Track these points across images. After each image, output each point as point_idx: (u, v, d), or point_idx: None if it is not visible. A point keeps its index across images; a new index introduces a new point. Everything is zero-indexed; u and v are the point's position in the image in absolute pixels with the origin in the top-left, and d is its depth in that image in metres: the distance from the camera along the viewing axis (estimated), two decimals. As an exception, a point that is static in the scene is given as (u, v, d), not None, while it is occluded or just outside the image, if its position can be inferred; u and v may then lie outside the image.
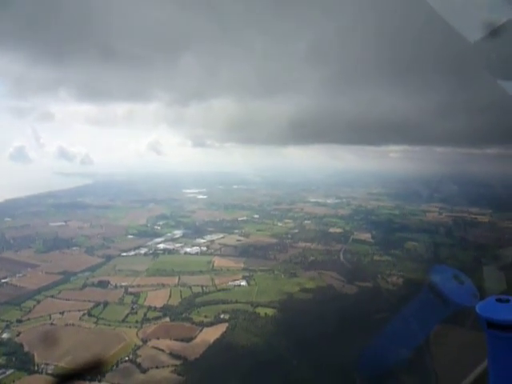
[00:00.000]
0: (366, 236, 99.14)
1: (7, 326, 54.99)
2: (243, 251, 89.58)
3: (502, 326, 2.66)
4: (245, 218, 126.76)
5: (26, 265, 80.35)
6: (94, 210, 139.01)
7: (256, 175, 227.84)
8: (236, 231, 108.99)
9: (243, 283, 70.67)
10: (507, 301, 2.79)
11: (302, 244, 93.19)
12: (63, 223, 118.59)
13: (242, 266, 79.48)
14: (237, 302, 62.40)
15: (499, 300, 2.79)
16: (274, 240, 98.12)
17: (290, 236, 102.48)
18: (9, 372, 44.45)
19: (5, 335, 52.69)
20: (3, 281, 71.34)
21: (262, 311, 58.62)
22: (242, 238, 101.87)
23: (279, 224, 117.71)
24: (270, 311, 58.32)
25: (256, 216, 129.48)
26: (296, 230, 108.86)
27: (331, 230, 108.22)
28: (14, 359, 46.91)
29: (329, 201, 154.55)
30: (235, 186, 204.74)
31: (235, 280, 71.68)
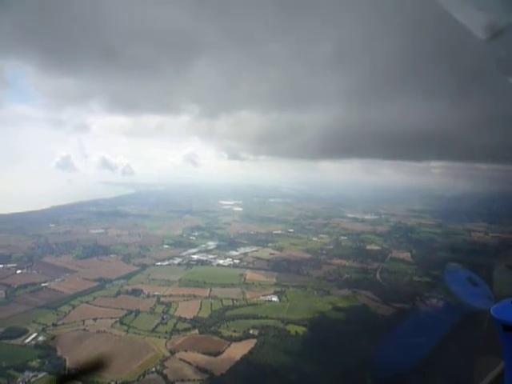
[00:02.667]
0: (405, 255, 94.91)
1: (43, 329, 56.60)
2: (276, 265, 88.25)
3: None
4: (279, 231, 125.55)
5: (65, 270, 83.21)
6: (133, 219, 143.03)
7: (291, 189, 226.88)
8: (270, 245, 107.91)
9: (274, 298, 69.23)
10: None
11: (336, 260, 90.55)
12: (103, 230, 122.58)
13: (274, 280, 78.11)
14: (267, 317, 61.04)
15: None
16: (308, 255, 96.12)
17: (324, 252, 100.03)
18: (41, 375, 45.42)
19: (40, 338, 54.19)
20: (43, 285, 74.08)
21: (292, 329, 56.89)
22: (275, 252, 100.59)
23: (314, 239, 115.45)
24: (300, 329, 56.46)
25: (291, 230, 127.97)
26: (331, 246, 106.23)
27: (368, 247, 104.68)
28: (46, 362, 47.98)
29: (367, 217, 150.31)
30: (271, 200, 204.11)
31: (266, 295, 70.40)
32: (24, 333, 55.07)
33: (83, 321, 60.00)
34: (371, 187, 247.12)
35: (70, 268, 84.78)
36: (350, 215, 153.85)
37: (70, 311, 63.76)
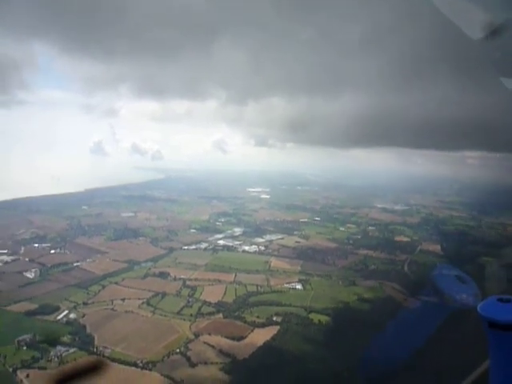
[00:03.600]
0: (435, 247, 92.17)
1: (74, 307, 59.10)
2: (301, 254, 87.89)
3: (503, 326, 2.64)
4: (306, 219, 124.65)
5: (97, 251, 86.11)
6: (162, 203, 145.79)
7: (319, 177, 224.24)
8: (296, 233, 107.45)
9: (299, 286, 69.13)
10: (508, 300, 2.76)
11: (363, 251, 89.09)
12: (133, 214, 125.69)
13: (299, 268, 77.89)
14: (291, 305, 61.12)
15: (500, 300, 2.76)
16: (334, 244, 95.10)
17: (351, 241, 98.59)
18: (71, 350, 47.54)
19: (71, 315, 56.61)
20: (75, 264, 77.05)
21: (315, 317, 56.74)
22: (301, 240, 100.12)
23: (341, 228, 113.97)
24: (323, 318, 56.23)
25: (317, 218, 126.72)
26: (358, 236, 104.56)
27: (397, 238, 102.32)
28: (76, 339, 50.17)
29: (396, 207, 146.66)
30: (299, 187, 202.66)
31: (291, 282, 70.36)
32: (56, 310, 57.70)
33: (112, 301, 62.08)
34: (402, 177, 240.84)
35: (101, 249, 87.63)
36: (379, 205, 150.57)
37: (99, 291, 66.11)
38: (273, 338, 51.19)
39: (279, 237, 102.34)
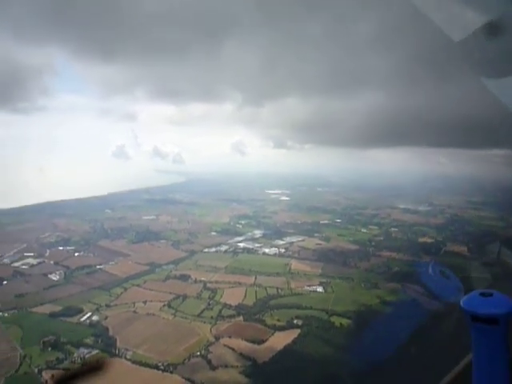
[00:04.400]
0: (461, 249, 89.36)
1: (97, 309, 60.03)
2: (322, 256, 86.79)
3: (485, 320, 2.73)
4: (326, 221, 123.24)
5: (119, 254, 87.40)
6: (183, 206, 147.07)
7: (340, 178, 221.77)
8: (316, 235, 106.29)
9: (319, 289, 68.24)
10: (490, 295, 2.84)
11: (386, 253, 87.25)
12: (154, 217, 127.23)
13: (320, 271, 76.91)
14: (311, 308, 60.30)
15: (483, 294, 2.83)
16: (356, 246, 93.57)
17: (373, 243, 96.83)
18: (94, 352, 48.24)
19: (94, 317, 57.50)
20: (98, 267, 78.37)
21: (337, 321, 55.83)
22: (322, 242, 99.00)
23: (363, 230, 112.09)
24: (345, 321, 55.27)
25: (338, 220, 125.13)
26: (381, 238, 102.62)
27: (421, 239, 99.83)
28: (99, 341, 50.89)
29: (420, 208, 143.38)
30: (319, 189, 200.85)
31: (311, 285, 69.55)
32: (80, 311, 58.72)
33: (134, 303, 62.76)
34: (424, 177, 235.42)
35: (123, 252, 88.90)
36: (402, 206, 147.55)
37: (121, 293, 66.97)
38: (293, 342, 50.63)
39: (299, 239, 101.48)
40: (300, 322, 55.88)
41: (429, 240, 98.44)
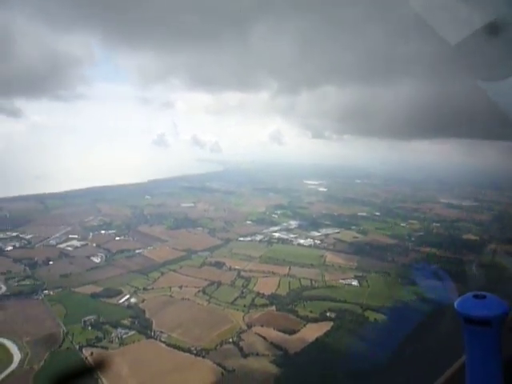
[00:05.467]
0: (509, 247, 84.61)
1: (135, 292, 62.23)
2: (358, 249, 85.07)
3: (478, 322, 2.74)
4: (364, 214, 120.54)
5: (157, 239, 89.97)
6: (220, 195, 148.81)
7: (379, 170, 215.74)
8: (353, 227, 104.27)
9: (354, 283, 67.08)
10: (484, 297, 2.84)
11: (426, 248, 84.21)
12: (192, 204, 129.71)
13: (355, 264, 75.47)
14: (345, 301, 59.45)
15: (476, 296, 2.84)
16: (394, 241, 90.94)
17: (413, 238, 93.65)
18: (131, 333, 50.12)
19: (132, 300, 59.67)
20: (137, 251, 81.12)
21: (371, 315, 54.74)
22: (358, 235, 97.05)
23: (402, 224, 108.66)
24: (379, 317, 54.05)
25: (377, 213, 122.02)
26: (421, 233, 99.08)
27: (464, 236, 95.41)
28: (136, 322, 52.79)
29: (464, 203, 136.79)
30: (358, 181, 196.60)
31: (346, 278, 68.45)
32: (119, 293, 61.12)
33: (170, 287, 64.53)
34: (470, 170, 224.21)
35: (161, 238, 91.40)
36: (445, 200, 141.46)
37: (158, 277, 68.98)
38: (326, 334, 50.20)
39: (335, 231, 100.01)
40: (333, 315, 55.31)
41: (473, 237, 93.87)
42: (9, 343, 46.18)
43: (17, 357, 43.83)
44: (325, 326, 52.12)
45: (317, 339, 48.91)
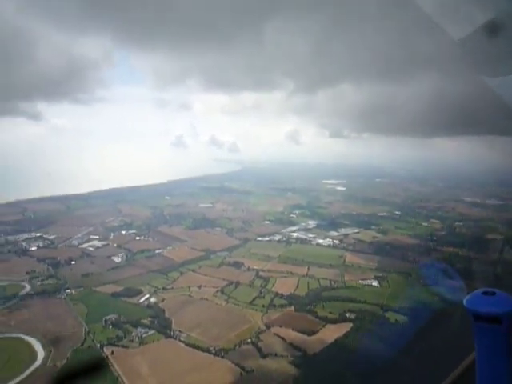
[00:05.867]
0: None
1: (155, 292, 62.83)
2: (378, 249, 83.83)
3: (487, 319, 2.73)
4: (384, 213, 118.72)
5: (176, 239, 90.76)
6: (237, 195, 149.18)
7: (400, 168, 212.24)
8: (373, 227, 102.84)
9: (374, 283, 66.03)
10: (493, 293, 2.81)
11: (448, 248, 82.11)
12: (210, 205, 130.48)
13: (376, 265, 74.31)
14: (365, 302, 58.57)
15: (485, 293, 2.82)
16: (416, 241, 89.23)
17: (435, 238, 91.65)
18: (151, 332, 50.57)
19: (152, 299, 60.25)
20: (157, 251, 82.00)
21: (392, 317, 53.74)
22: (378, 235, 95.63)
23: (424, 224, 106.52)
24: (400, 318, 52.97)
25: (397, 212, 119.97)
26: (443, 232, 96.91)
27: (489, 236, 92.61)
28: (156, 322, 53.25)
29: (489, 202, 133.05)
30: (377, 180, 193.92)
31: (366, 279, 67.48)
32: (139, 293, 61.87)
33: (189, 287, 64.95)
34: (496, 169, 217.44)
35: (180, 238, 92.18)
36: (468, 199, 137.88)
37: (178, 277, 69.54)
38: (345, 335, 49.54)
39: (355, 231, 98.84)
40: (353, 316, 54.54)
41: (498, 237, 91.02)
42: (33, 341, 47.31)
43: (40, 354, 44.82)
44: (344, 327, 51.42)
45: (336, 340, 48.32)
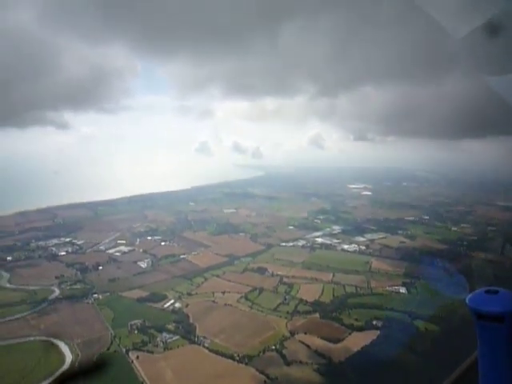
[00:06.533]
0: None
1: (179, 297, 63.17)
2: (406, 255, 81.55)
3: (490, 317, 2.71)
4: (412, 218, 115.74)
5: (200, 244, 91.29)
6: (261, 200, 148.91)
7: (428, 172, 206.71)
8: (400, 232, 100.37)
9: (402, 290, 64.19)
10: (496, 292, 2.80)
11: (480, 254, 79.11)
12: (234, 210, 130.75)
13: (403, 271, 72.35)
14: (393, 309, 57.03)
15: (488, 292, 2.82)
16: (445, 246, 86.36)
17: (465, 243, 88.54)
18: (175, 338, 50.80)
19: (177, 304, 60.61)
20: (182, 256, 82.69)
21: (421, 325, 52.04)
22: (406, 240, 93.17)
23: (454, 228, 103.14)
24: (430, 327, 51.21)
25: (426, 217, 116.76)
26: (474, 237, 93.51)
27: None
28: (180, 327, 53.47)
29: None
30: (404, 184, 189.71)
31: (393, 286, 65.69)
32: (164, 298, 62.40)
33: (213, 293, 64.95)
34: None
35: (205, 243, 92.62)
36: (501, 203, 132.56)
37: (202, 283, 69.78)
38: (372, 344, 48.27)
39: (381, 236, 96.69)
40: (380, 324, 53.16)
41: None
42: (61, 344, 48.39)
43: (68, 357, 45.76)
44: (371, 335, 50.15)
45: (362, 349, 47.12)
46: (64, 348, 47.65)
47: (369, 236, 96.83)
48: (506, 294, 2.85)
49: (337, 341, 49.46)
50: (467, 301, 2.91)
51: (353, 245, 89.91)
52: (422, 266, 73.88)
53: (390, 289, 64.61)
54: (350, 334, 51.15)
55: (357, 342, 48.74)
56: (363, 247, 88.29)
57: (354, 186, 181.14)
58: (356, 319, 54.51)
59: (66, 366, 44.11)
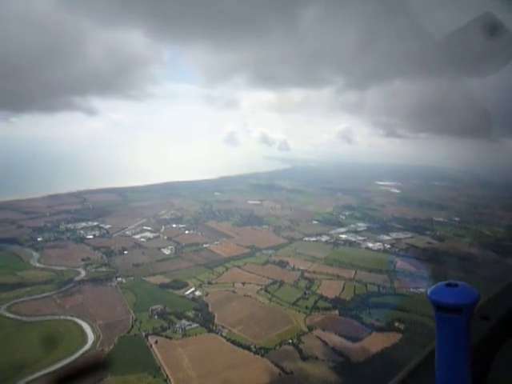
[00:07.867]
0: None
1: (200, 285, 63.76)
2: (433, 257, 78.97)
3: (448, 309, 2.80)
4: (441, 219, 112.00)
5: (223, 235, 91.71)
6: (286, 193, 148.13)
7: (462, 172, 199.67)
8: (428, 233, 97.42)
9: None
10: (456, 285, 2.91)
11: (513, 260, 75.77)
12: (259, 202, 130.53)
13: (429, 272, 69.98)
14: (416, 312, 55.17)
15: (449, 285, 2.95)
16: (476, 250, 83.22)
17: (499, 248, 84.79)
18: (194, 325, 51.33)
19: (197, 293, 61.18)
20: (204, 245, 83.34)
21: (445, 330, 50.16)
22: (433, 242, 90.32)
23: (486, 232, 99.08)
24: (455, 332, 49.33)
25: (456, 218, 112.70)
26: (508, 242, 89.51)
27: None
28: (199, 315, 53.94)
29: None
30: (435, 183, 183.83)
31: (418, 287, 63.68)
32: (185, 285, 63.11)
33: (233, 283, 65.18)
34: None
35: (228, 233, 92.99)
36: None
37: (223, 272, 70.10)
38: (393, 347, 47.01)
39: (408, 235, 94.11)
40: (402, 326, 51.73)
41: None
42: (85, 325, 49.82)
43: (90, 338, 47.03)
44: (392, 338, 48.93)
45: (382, 351, 45.98)
46: (87, 328, 49.01)
47: (395, 235, 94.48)
48: (466, 287, 2.87)
49: (356, 340, 48.60)
50: (428, 293, 2.93)
51: (378, 243, 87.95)
52: (450, 269, 71.49)
53: (414, 290, 62.83)
54: (369, 333, 50.12)
55: (377, 343, 47.67)
56: (388, 246, 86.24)
57: (382, 183, 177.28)
58: (377, 319, 53.46)
59: (87, 347, 45.46)
